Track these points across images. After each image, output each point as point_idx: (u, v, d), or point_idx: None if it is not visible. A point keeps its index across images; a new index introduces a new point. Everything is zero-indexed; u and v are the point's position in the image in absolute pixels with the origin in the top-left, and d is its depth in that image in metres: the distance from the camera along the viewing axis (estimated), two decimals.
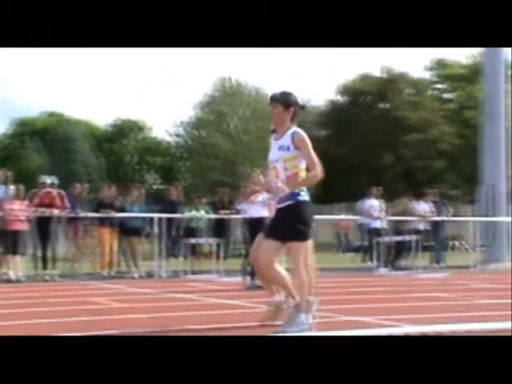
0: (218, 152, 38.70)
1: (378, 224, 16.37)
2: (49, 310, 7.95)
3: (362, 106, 40.67)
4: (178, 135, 44.87)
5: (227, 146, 38.02)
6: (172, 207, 15.27)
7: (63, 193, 13.73)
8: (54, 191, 13.53)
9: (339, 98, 42.27)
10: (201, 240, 14.96)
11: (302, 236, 5.81)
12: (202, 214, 15.30)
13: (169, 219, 14.71)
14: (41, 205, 13.24)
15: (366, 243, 17.74)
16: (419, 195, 17.12)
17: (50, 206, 13.28)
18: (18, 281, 12.60)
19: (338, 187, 36.85)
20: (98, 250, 14.43)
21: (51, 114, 49.26)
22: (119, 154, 47.45)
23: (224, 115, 39.81)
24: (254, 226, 10.10)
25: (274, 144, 6.00)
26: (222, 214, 15.47)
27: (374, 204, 16.52)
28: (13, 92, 73.68)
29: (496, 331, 4.84)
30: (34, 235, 13.37)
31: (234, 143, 38.35)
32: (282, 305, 6.32)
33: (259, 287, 10.61)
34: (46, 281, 12.84)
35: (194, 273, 14.16)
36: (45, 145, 43.97)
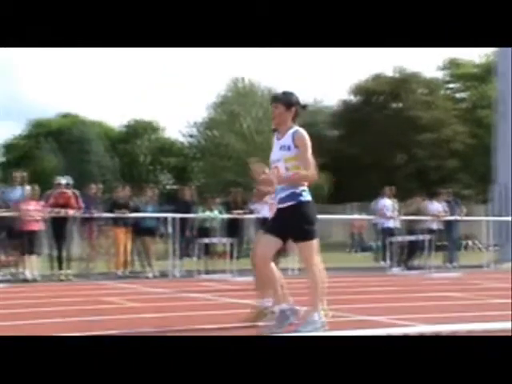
0: (230, 152, 38.76)
1: (391, 223, 16.36)
2: (64, 310, 8.02)
3: (375, 105, 40.62)
4: (191, 135, 45.02)
5: (240, 146, 38.05)
6: (186, 207, 15.33)
7: (77, 193, 13.84)
8: (69, 191, 13.63)
9: (352, 97, 42.27)
10: (214, 240, 15.01)
11: (309, 235, 5.80)
12: (215, 214, 15.35)
13: (182, 219, 14.77)
14: (56, 205, 13.34)
15: (379, 243, 17.73)
16: (432, 195, 17.10)
17: (65, 206, 13.39)
18: (34, 280, 12.72)
19: (350, 187, 36.87)
20: (113, 249, 14.52)
21: (66, 115, 49.55)
22: (133, 154, 47.65)
23: (237, 115, 39.88)
24: None
25: (276, 144, 6.00)
26: (236, 214, 15.51)
27: (387, 204, 16.52)
28: (28, 93, 74.20)
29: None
30: (49, 235, 13.49)
31: (247, 143, 38.39)
32: (266, 310, 6.23)
33: None
34: (61, 280, 12.95)
35: (207, 272, 14.22)
36: (60, 146, 44.25)
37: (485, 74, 38.13)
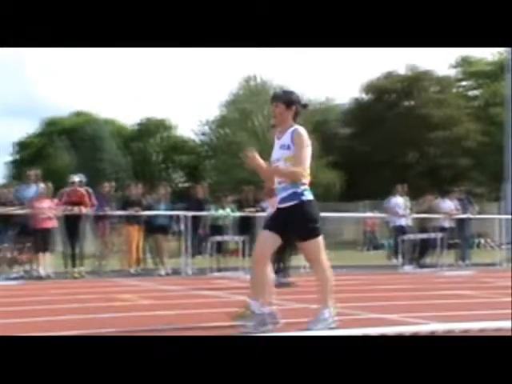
0: (242, 150, 38.73)
1: (403, 221, 16.35)
2: (78, 307, 8.08)
3: (387, 103, 40.53)
4: (203, 134, 45.07)
5: (252, 144, 38.04)
6: (198, 205, 15.38)
7: (91, 191, 13.92)
8: (82, 189, 13.72)
9: (364, 95, 42.17)
10: (226, 237, 15.07)
11: (314, 233, 5.78)
12: (227, 212, 15.40)
13: (195, 217, 14.83)
14: (69, 203, 13.43)
15: (391, 241, 17.73)
16: (444, 193, 17.08)
17: (78, 204, 13.47)
18: (48, 277, 12.82)
19: (362, 185, 36.82)
20: (125, 247, 14.60)
21: (79, 114, 49.79)
22: (145, 152, 47.78)
23: (249, 113, 39.89)
24: None
25: (276, 143, 5.96)
26: (247, 212, 15.55)
27: (399, 202, 16.51)
28: (42, 92, 74.58)
29: None
30: (62, 233, 13.58)
31: (259, 141, 38.37)
32: (248, 311, 5.95)
33: (285, 284, 10.71)
34: (74, 278, 13.04)
35: (219, 270, 14.27)
36: (73, 144, 44.48)
37: (497, 71, 37.95)
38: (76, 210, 13.42)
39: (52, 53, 59.13)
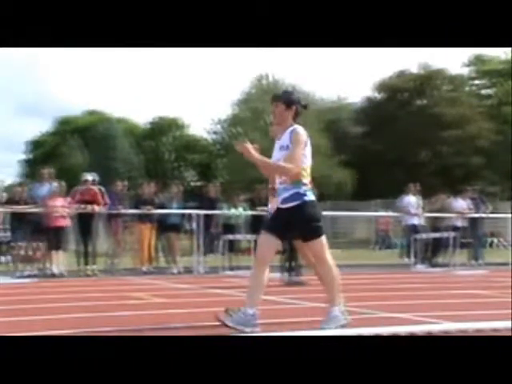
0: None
1: (415, 220, 16.32)
2: (92, 305, 8.13)
3: (399, 102, 40.43)
4: (215, 132, 45.14)
5: (264, 143, 37.97)
6: (210, 204, 15.42)
7: (103, 189, 13.98)
8: (95, 188, 13.79)
9: (376, 94, 42.09)
10: (239, 236, 15.09)
11: (318, 232, 5.77)
12: (240, 212, 15.42)
13: (207, 216, 14.87)
14: (82, 201, 13.50)
15: (403, 240, 17.71)
16: (457, 192, 17.03)
17: (91, 202, 13.54)
18: (61, 275, 12.90)
19: (374, 184, 36.75)
20: (138, 245, 14.65)
21: (92, 113, 49.94)
22: (158, 151, 47.90)
23: (261, 112, 39.87)
24: None
25: (276, 144, 5.94)
26: (260, 211, 15.55)
27: (411, 201, 16.48)
28: (55, 92, 74.92)
29: None
30: (75, 231, 13.65)
31: (271, 140, 38.38)
32: (234, 311, 5.89)
33: (298, 283, 10.73)
34: (87, 275, 13.11)
35: (231, 269, 14.29)
36: (86, 142, 44.62)
37: (511, 70, 37.78)
38: (89, 208, 13.49)
39: (65, 52, 59.36)
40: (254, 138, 38.97)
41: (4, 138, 76.54)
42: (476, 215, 16.61)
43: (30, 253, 13.55)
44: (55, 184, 13.56)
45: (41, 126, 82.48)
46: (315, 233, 5.76)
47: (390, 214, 21.88)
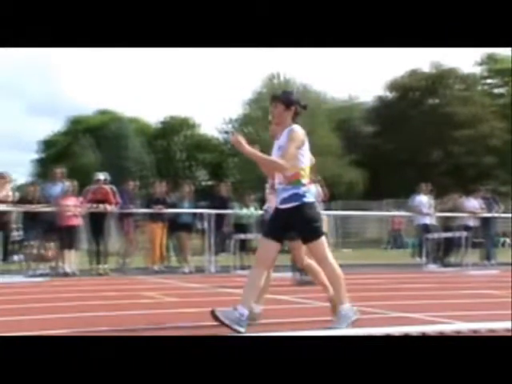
0: (265, 148, 38.69)
1: (427, 220, 16.28)
2: (104, 304, 8.15)
3: (411, 101, 40.34)
4: (226, 132, 45.19)
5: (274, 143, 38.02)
6: (222, 203, 15.44)
7: (115, 189, 14.03)
8: (107, 187, 13.84)
9: (388, 93, 42.02)
10: (250, 236, 15.10)
11: (318, 233, 5.74)
12: (251, 212, 15.44)
13: (218, 215, 14.88)
14: (94, 201, 13.56)
15: (415, 239, 17.67)
16: (469, 191, 16.98)
17: (103, 201, 13.59)
18: (73, 274, 12.96)
19: (386, 183, 36.69)
20: (149, 245, 14.69)
21: (104, 112, 50.11)
22: (169, 150, 48.00)
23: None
24: None
25: (275, 144, 5.92)
26: None
27: (423, 200, 16.44)
28: (67, 91, 75.25)
29: None
30: (87, 230, 13.71)
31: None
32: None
33: (309, 283, 10.71)
34: (99, 274, 13.16)
35: (243, 268, 14.29)
36: (97, 142, 44.77)
37: None
38: (101, 207, 13.54)
39: (77, 52, 59.60)
40: (265, 138, 39.11)
41: (16, 138, 77.03)
42: (488, 215, 16.55)
43: (43, 252, 13.63)
44: (67, 183, 13.62)
45: (53, 126, 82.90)
46: (315, 233, 5.74)
47: (402, 213, 21.83)
